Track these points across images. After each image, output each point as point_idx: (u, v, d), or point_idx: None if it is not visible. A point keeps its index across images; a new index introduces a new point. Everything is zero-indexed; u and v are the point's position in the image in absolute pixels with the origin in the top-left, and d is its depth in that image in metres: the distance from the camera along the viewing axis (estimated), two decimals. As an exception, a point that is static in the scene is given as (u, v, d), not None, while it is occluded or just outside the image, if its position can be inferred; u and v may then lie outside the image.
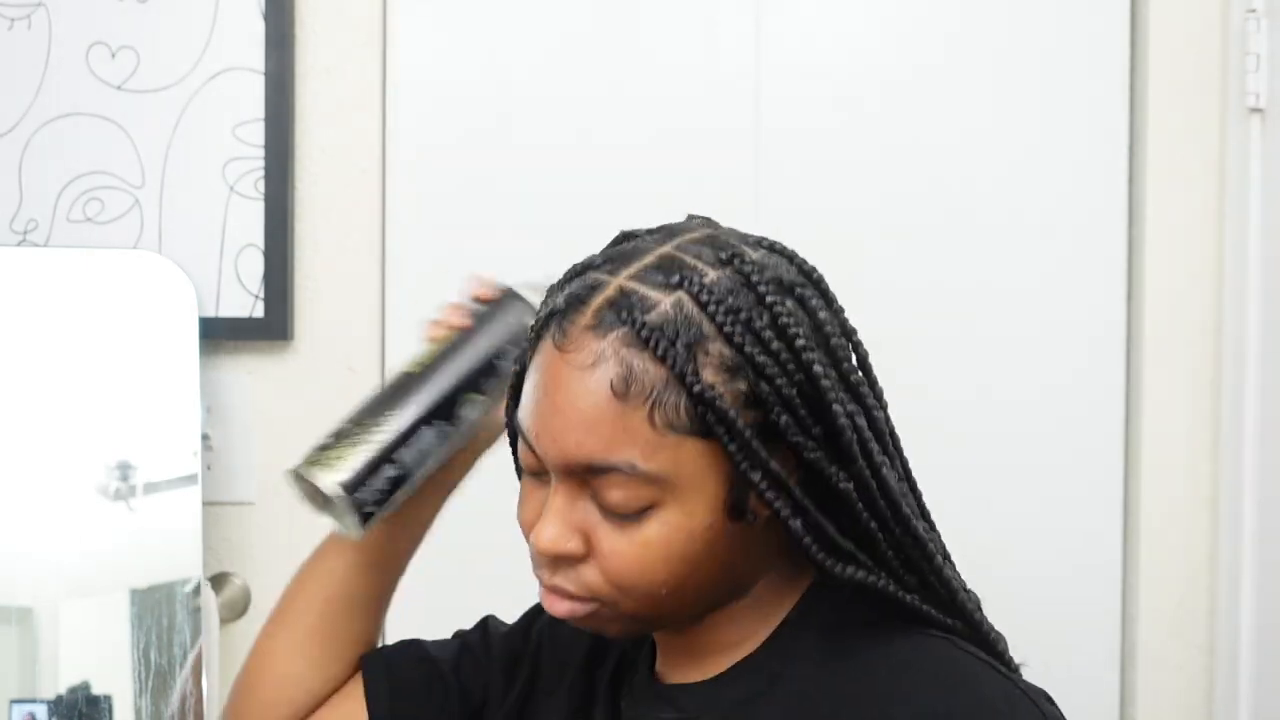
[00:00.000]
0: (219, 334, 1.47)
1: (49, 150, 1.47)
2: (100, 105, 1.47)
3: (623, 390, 0.70)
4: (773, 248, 0.77)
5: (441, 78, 1.52)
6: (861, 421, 0.73)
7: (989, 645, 0.81)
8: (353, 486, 0.82)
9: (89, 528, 1.37)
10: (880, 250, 1.51)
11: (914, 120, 1.51)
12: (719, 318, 0.70)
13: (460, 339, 0.87)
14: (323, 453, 0.84)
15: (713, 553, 0.73)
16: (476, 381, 0.85)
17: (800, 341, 0.71)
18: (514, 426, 0.79)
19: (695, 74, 1.51)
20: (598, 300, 0.72)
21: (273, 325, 1.47)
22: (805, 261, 0.77)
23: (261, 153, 1.47)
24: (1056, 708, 0.77)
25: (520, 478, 0.79)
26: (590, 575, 0.73)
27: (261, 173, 1.47)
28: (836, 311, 0.76)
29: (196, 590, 1.38)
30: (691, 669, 0.81)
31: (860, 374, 0.75)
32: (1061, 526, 1.52)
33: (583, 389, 0.71)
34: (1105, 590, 1.52)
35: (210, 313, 1.46)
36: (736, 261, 0.73)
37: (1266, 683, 1.42)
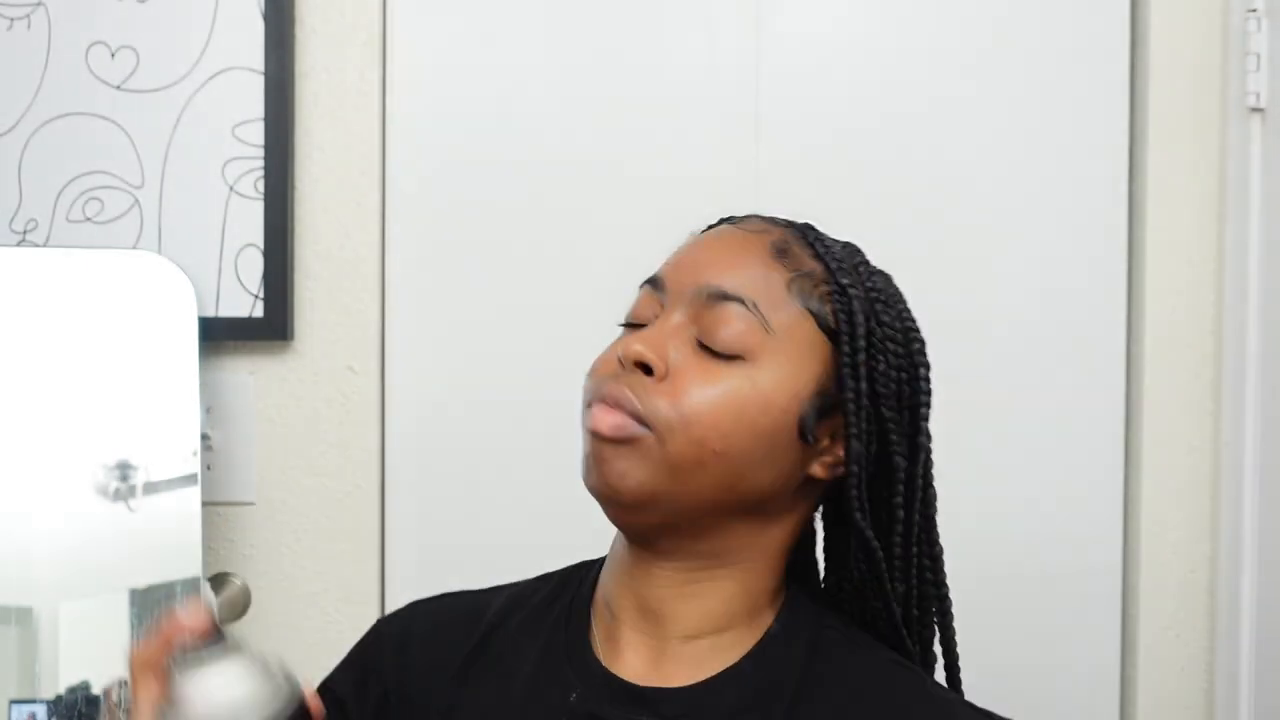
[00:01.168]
0: (219, 334, 1.47)
1: (49, 150, 1.47)
2: (100, 105, 1.47)
3: (777, 253, 0.80)
4: None
5: (441, 78, 1.52)
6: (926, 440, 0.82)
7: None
8: None
9: (89, 528, 1.37)
10: (880, 252, 1.51)
11: (913, 121, 1.51)
12: (871, 278, 0.83)
13: None
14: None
15: (769, 444, 0.77)
16: None
17: (916, 346, 0.82)
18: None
19: (695, 73, 1.51)
20: (777, 219, 0.85)
21: (273, 325, 1.47)
22: None
23: (261, 153, 1.47)
24: None
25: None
26: (658, 398, 0.75)
27: (261, 173, 1.47)
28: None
29: (196, 590, 1.38)
30: (667, 663, 0.79)
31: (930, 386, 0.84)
32: (1061, 526, 1.52)
33: (742, 240, 0.81)
34: (1105, 590, 1.52)
35: (210, 313, 1.47)
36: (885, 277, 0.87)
37: (1266, 683, 1.42)
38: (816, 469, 0.80)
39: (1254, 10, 1.44)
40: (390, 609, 1.51)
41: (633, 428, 0.75)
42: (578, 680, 0.81)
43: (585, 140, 1.51)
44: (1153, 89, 1.49)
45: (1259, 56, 1.44)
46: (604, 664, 0.81)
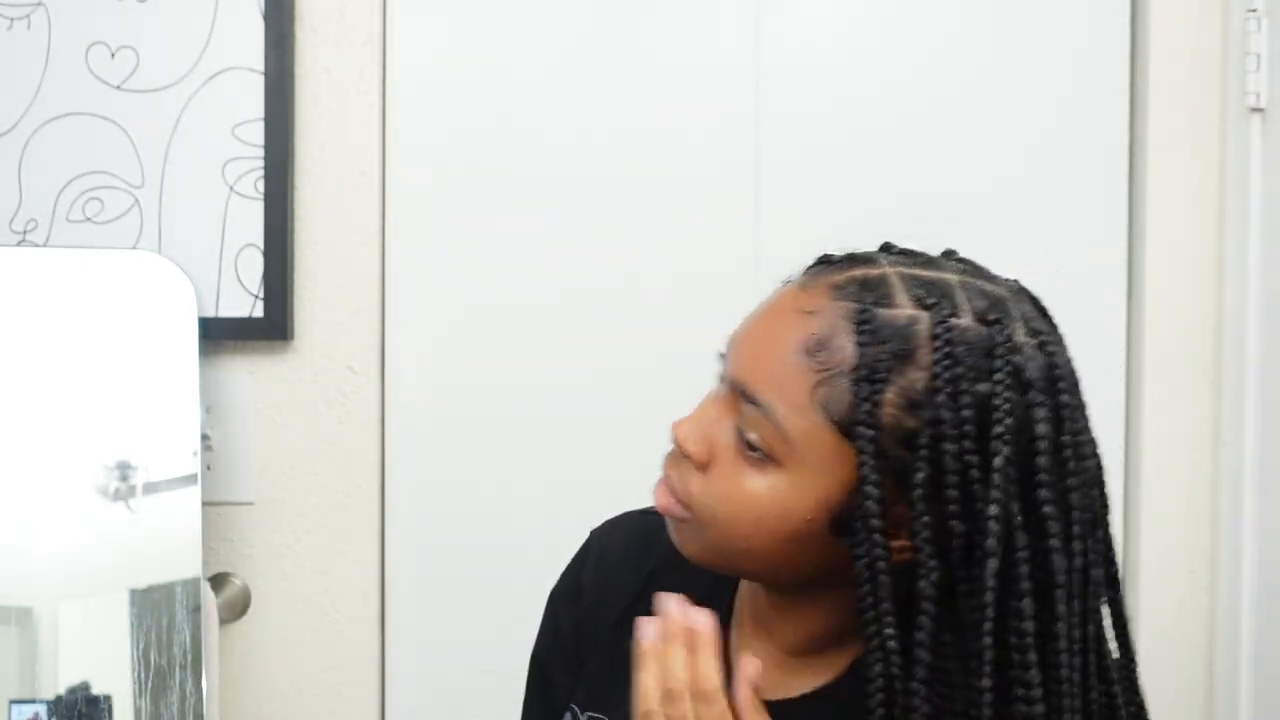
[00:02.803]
0: (219, 334, 1.47)
1: (49, 150, 1.47)
2: (100, 105, 1.47)
3: (811, 349, 0.71)
4: (1045, 343, 0.73)
5: (441, 78, 1.52)
6: (1021, 555, 0.69)
7: None
8: None
9: (89, 528, 1.37)
10: (877, 247, 1.51)
11: (914, 120, 1.51)
12: (938, 355, 0.69)
13: None
14: None
15: (803, 547, 0.73)
16: None
17: (997, 429, 0.68)
18: None
19: (695, 71, 1.51)
20: (858, 271, 0.74)
21: (273, 325, 1.47)
22: (1069, 378, 0.72)
23: (261, 153, 1.47)
24: None
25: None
26: (697, 487, 0.75)
27: (261, 173, 1.47)
28: (1066, 444, 0.70)
29: (196, 590, 1.38)
30: (772, 672, 0.79)
31: (1053, 511, 0.69)
32: (1061, 526, 1.52)
33: (785, 325, 0.73)
34: (1105, 590, 1.52)
35: (210, 313, 1.46)
36: (997, 329, 0.71)
37: (1266, 683, 1.42)
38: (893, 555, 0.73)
39: (1254, 10, 1.44)
40: (390, 609, 1.51)
41: (676, 510, 0.77)
42: None
43: (585, 140, 1.51)
44: (1153, 89, 1.49)
45: (1259, 56, 1.44)
46: (731, 654, 0.82)
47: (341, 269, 1.50)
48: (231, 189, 1.47)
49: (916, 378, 0.69)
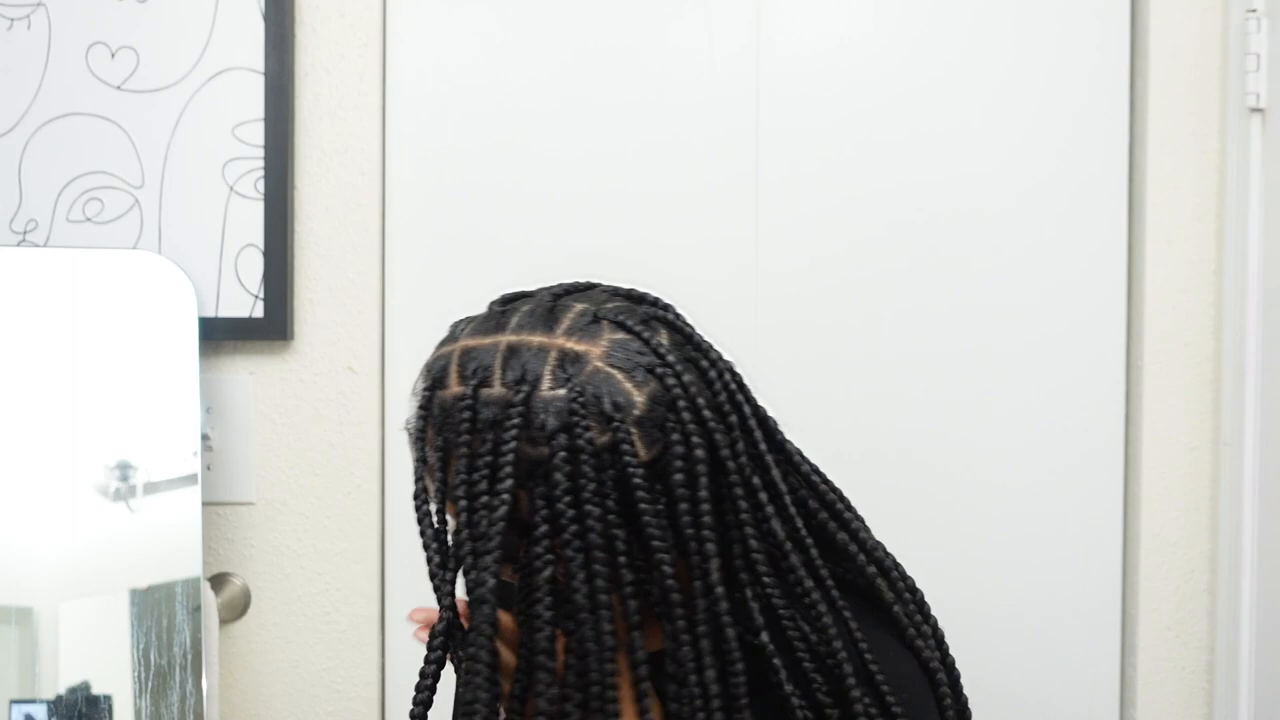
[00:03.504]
0: (219, 334, 1.47)
1: (49, 150, 1.47)
2: (100, 105, 1.47)
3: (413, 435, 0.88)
4: (577, 393, 0.79)
5: (441, 78, 1.52)
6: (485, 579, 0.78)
7: None
8: None
9: (89, 528, 1.37)
10: (878, 250, 1.51)
11: (913, 121, 1.51)
12: (463, 427, 0.80)
13: None
14: None
15: None
16: None
17: (501, 485, 0.78)
18: None
19: (695, 74, 1.51)
20: (448, 348, 0.87)
21: (273, 325, 1.47)
22: (596, 418, 0.79)
23: (261, 153, 1.47)
24: None
25: None
26: None
27: (261, 173, 1.47)
28: (585, 483, 0.78)
29: (196, 590, 1.38)
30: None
31: (576, 542, 0.77)
32: (1062, 528, 1.52)
33: None
34: (1105, 590, 1.52)
35: (210, 313, 1.47)
36: (516, 389, 0.79)
37: (1266, 683, 1.43)
38: None
39: (1254, 10, 1.44)
40: (390, 609, 1.51)
41: None
42: None
43: (586, 141, 1.51)
44: (1153, 89, 1.49)
45: (1259, 56, 1.44)
46: None
47: (341, 269, 1.50)
48: (231, 189, 1.47)
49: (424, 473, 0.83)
